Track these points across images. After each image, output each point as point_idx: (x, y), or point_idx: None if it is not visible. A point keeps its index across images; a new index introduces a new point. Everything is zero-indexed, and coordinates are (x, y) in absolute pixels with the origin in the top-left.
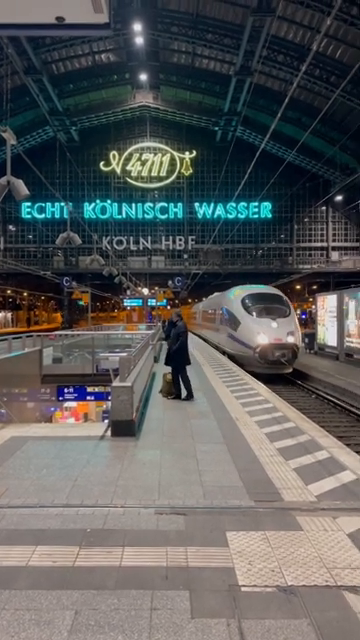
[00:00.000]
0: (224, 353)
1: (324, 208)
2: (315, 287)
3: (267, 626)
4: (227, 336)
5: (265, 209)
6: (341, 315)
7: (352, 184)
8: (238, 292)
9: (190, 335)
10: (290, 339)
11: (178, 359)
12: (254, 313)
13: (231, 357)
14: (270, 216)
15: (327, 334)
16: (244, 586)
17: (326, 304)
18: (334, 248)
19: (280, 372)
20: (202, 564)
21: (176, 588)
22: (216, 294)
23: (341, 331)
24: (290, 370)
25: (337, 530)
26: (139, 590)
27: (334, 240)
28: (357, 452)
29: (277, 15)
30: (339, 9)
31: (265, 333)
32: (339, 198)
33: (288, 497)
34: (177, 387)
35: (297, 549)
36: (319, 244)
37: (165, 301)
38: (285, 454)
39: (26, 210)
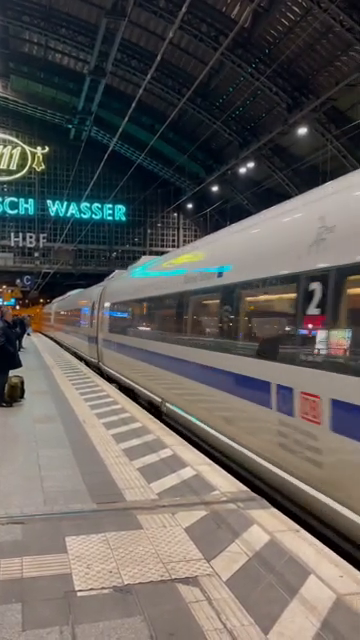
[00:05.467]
0: None
1: (175, 214)
2: None
3: (101, 628)
4: None
5: (119, 212)
6: None
7: (201, 193)
8: None
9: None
10: None
11: None
12: None
13: None
14: (124, 219)
15: None
16: (80, 591)
17: None
18: None
19: None
20: (38, 573)
21: (8, 602)
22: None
23: None
24: None
25: (175, 525)
26: None
27: (185, 246)
28: None
29: (131, 20)
30: (190, 25)
31: None
32: (190, 206)
33: (130, 497)
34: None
35: (136, 548)
36: (171, 249)
37: (13, 300)
38: (130, 454)
39: None
